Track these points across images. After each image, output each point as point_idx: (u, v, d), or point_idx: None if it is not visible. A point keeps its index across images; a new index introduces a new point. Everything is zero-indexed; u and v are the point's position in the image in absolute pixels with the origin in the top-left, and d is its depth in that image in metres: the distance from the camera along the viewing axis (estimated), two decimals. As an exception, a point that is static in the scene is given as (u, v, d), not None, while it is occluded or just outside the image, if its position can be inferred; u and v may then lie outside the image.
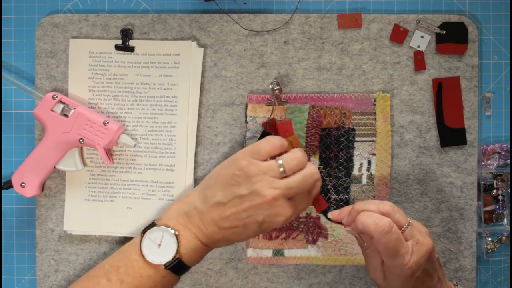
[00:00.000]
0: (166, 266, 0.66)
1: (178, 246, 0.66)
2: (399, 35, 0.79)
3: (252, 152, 0.67)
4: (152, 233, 0.67)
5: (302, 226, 0.79)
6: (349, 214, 0.67)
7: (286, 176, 0.66)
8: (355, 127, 0.78)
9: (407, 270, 0.63)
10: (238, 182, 0.66)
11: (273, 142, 0.68)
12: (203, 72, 0.79)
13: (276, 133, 0.76)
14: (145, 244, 0.67)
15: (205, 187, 0.69)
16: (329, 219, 0.73)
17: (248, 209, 0.65)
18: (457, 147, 0.79)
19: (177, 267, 0.67)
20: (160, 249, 0.67)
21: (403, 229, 0.64)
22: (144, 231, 0.68)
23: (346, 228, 0.68)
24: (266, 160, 0.67)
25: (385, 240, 0.62)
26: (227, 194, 0.66)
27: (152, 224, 0.68)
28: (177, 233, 0.67)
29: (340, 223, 0.70)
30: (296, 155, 0.67)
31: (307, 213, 0.79)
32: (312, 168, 0.68)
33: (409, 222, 0.65)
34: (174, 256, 0.66)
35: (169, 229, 0.67)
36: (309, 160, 0.78)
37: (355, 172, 0.79)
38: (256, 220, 0.66)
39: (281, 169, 0.66)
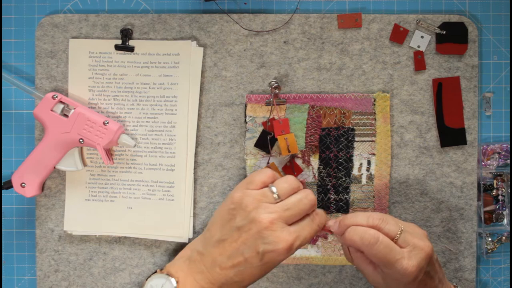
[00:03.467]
0: None
1: None
2: (399, 35, 0.79)
3: (245, 183, 0.67)
4: (152, 280, 0.67)
5: (302, 226, 0.79)
6: (338, 225, 0.67)
7: (281, 201, 0.66)
8: (354, 127, 0.78)
9: (408, 275, 0.63)
10: (234, 215, 0.66)
11: (266, 171, 0.68)
12: (203, 72, 0.79)
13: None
14: None
15: (206, 230, 0.69)
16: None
17: (247, 240, 0.64)
18: (457, 147, 0.79)
19: None
20: None
21: (395, 238, 0.64)
22: (147, 278, 0.68)
23: (337, 237, 0.68)
24: (260, 189, 0.67)
25: (374, 252, 0.63)
26: (225, 231, 0.66)
27: (154, 272, 0.69)
28: (176, 280, 0.67)
29: (329, 231, 0.70)
30: (287, 179, 0.67)
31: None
32: (306, 189, 0.68)
33: (401, 230, 0.64)
34: None
35: (169, 276, 0.67)
36: (308, 160, 0.78)
37: (355, 172, 0.79)
38: (256, 251, 0.64)
39: (275, 195, 0.66)
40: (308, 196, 0.67)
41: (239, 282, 0.66)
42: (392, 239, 0.64)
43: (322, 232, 0.78)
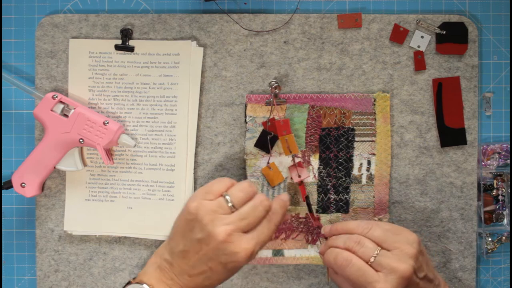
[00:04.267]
0: None
1: None
2: (399, 35, 0.79)
3: (203, 193, 0.67)
4: None
5: (302, 226, 0.79)
6: (324, 245, 0.70)
7: (236, 210, 0.66)
8: (354, 127, 0.78)
9: None
10: (192, 226, 0.65)
11: (224, 180, 0.68)
12: (203, 72, 0.79)
13: (276, 132, 0.77)
14: None
15: (170, 237, 0.69)
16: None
17: (208, 252, 0.65)
18: (457, 147, 0.79)
19: None
20: None
21: (370, 261, 0.65)
22: None
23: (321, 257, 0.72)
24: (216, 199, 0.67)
25: (347, 274, 0.65)
26: (186, 242, 0.66)
27: (128, 283, 0.68)
28: (150, 287, 0.66)
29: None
30: (242, 186, 0.67)
31: (306, 213, 0.79)
32: (260, 196, 0.67)
33: (377, 253, 0.66)
34: None
35: (143, 285, 0.66)
36: (308, 160, 0.78)
37: (355, 172, 0.79)
38: (219, 262, 0.65)
39: (230, 204, 0.65)
40: (262, 203, 0.66)
41: (209, 285, 0.67)
42: (367, 262, 0.65)
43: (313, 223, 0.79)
